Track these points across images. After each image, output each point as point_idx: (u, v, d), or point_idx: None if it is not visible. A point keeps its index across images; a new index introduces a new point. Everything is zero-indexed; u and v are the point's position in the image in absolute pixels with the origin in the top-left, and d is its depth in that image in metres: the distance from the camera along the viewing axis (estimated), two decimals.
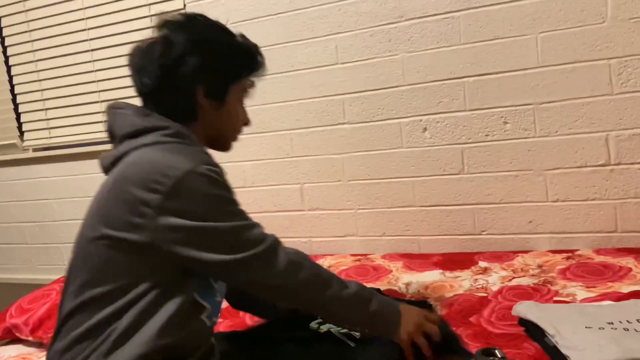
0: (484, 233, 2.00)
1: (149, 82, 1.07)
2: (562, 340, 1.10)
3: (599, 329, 1.12)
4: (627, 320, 1.15)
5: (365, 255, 2.10)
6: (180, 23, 1.10)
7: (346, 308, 1.09)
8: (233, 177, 2.29)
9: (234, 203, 1.03)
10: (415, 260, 1.95)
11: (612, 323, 1.14)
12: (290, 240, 2.29)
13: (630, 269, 1.58)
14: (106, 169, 1.08)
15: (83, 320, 0.98)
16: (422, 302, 1.47)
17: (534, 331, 1.21)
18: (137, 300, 0.97)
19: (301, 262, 1.06)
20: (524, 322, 1.27)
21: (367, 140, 2.12)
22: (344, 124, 2.14)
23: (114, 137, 1.10)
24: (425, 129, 2.02)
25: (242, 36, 1.16)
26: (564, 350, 1.08)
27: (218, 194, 1.00)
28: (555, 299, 1.45)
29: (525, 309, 1.27)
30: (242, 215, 1.03)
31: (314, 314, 1.31)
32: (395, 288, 1.69)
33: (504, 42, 1.87)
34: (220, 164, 1.08)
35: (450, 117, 1.98)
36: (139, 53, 1.09)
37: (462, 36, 1.92)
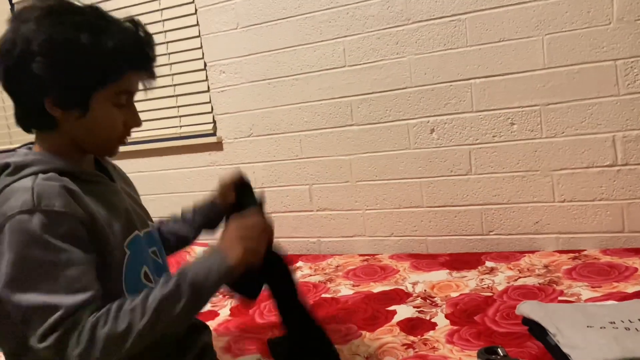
0: (491, 233, 2.02)
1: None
2: (563, 339, 1.12)
3: (600, 328, 1.14)
4: (629, 320, 1.16)
5: (373, 255, 2.12)
6: (36, 15, 0.89)
7: (181, 309, 0.89)
8: None
9: (43, 269, 0.85)
10: (423, 260, 1.97)
11: (614, 322, 1.16)
12: (299, 240, 2.33)
13: (636, 269, 1.59)
14: None
15: None
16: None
17: (536, 330, 1.23)
18: None
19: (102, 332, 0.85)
20: (527, 322, 1.28)
21: (374, 142, 2.14)
22: (351, 125, 2.17)
23: None
24: (432, 130, 2.04)
25: (120, 28, 0.93)
26: (565, 349, 1.10)
27: (25, 254, 0.84)
28: (560, 298, 1.47)
29: (529, 309, 1.29)
30: (46, 288, 0.84)
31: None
32: (402, 288, 1.72)
33: (510, 44, 1.88)
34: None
35: (458, 118, 1.99)
36: None
37: (469, 38, 1.93)
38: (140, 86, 1.01)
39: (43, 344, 0.83)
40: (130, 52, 0.93)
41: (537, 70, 1.86)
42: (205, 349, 1.12)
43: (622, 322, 1.16)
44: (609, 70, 1.78)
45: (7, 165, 0.92)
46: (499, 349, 1.19)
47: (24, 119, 0.96)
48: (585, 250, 1.84)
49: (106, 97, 0.94)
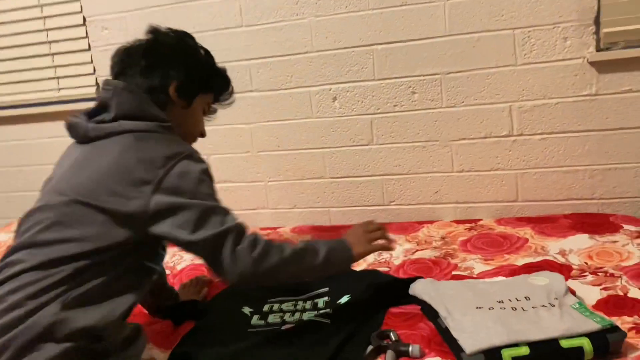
0: (392, 204, 2.00)
1: (135, 66, 1.19)
2: (452, 322, 1.10)
3: (489, 309, 1.13)
4: (516, 299, 1.16)
5: (275, 228, 2.04)
6: (172, 32, 1.27)
7: (302, 270, 1.18)
8: None
9: (213, 189, 1.15)
10: (325, 232, 1.92)
11: (502, 302, 1.15)
12: None
13: (526, 240, 1.62)
14: (89, 139, 1.13)
15: (41, 255, 1.03)
16: None
17: (428, 311, 1.21)
18: (101, 262, 1.05)
19: (265, 249, 1.11)
20: (419, 301, 1.26)
21: (276, 110, 2.02)
22: (251, 91, 2.03)
23: (105, 110, 1.15)
24: (334, 99, 1.95)
25: (223, 67, 1.33)
26: (454, 333, 1.07)
27: (204, 178, 1.12)
28: (454, 273, 1.47)
29: (421, 289, 1.26)
30: (217, 200, 1.13)
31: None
32: None
33: (412, 9, 1.81)
34: None
35: (360, 86, 1.92)
36: (129, 47, 1.22)
37: (371, 1, 1.84)
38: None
39: (218, 229, 1.06)
40: (223, 80, 1.33)
41: (439, 38, 1.81)
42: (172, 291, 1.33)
43: (510, 300, 1.16)
44: (507, 39, 1.76)
45: (164, 120, 1.17)
46: (391, 333, 1.16)
47: (155, 92, 1.19)
48: (481, 219, 1.86)
49: (201, 102, 1.28)
